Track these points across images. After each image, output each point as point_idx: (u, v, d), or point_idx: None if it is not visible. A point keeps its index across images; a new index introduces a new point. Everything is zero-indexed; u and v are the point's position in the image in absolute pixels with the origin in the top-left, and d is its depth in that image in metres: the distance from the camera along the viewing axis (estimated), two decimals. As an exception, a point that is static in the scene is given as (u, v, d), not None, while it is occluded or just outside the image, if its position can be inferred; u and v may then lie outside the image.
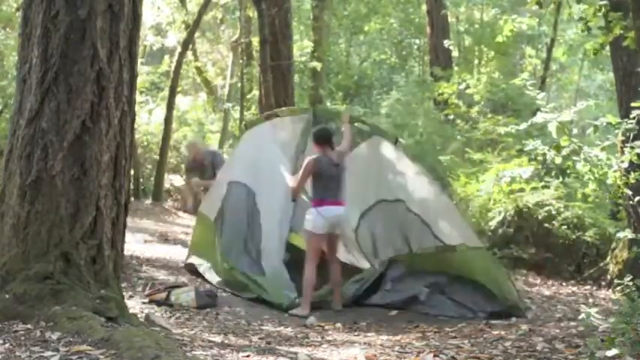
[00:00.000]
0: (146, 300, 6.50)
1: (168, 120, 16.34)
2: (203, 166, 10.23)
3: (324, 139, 6.68)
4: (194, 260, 8.08)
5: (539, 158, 4.95)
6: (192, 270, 7.99)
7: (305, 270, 6.49)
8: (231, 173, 7.87)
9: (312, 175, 6.60)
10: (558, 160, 4.85)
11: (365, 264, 7.29)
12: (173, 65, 17.02)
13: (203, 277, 7.66)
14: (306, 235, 6.63)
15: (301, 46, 19.86)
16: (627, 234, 5.27)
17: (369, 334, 5.49)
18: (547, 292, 8.38)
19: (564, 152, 4.84)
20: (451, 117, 14.94)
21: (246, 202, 7.37)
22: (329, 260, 6.72)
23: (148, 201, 15.99)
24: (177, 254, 9.08)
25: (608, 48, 7.64)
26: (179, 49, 17.28)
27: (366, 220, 7.28)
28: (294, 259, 6.92)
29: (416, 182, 7.15)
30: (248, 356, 4.12)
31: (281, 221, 6.94)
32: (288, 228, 6.95)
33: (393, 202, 7.14)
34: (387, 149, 7.33)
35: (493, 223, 9.88)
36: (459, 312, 6.50)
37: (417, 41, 23.41)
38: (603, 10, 5.99)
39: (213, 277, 7.54)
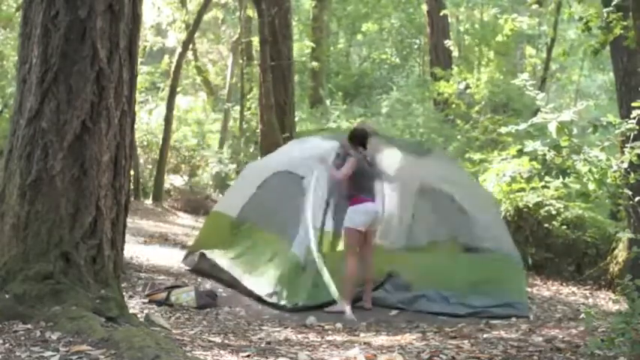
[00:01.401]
0: (146, 300, 6.50)
1: (168, 120, 16.37)
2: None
3: (361, 138, 6.84)
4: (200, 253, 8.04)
5: (540, 158, 4.95)
6: (194, 269, 7.98)
7: (347, 266, 6.57)
8: (272, 167, 7.84)
9: (354, 173, 6.69)
10: (559, 160, 4.85)
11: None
12: (173, 65, 17.05)
13: (203, 277, 7.66)
14: (347, 231, 6.68)
15: (301, 46, 19.87)
16: (627, 234, 5.27)
17: (369, 335, 5.49)
18: (547, 293, 8.39)
19: (564, 152, 4.83)
20: (451, 117, 14.95)
21: (290, 187, 7.31)
22: (363, 257, 6.73)
23: (148, 201, 16.00)
24: (178, 255, 9.08)
25: (608, 48, 7.64)
26: (179, 49, 17.30)
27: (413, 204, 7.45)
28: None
29: (463, 181, 7.50)
30: (248, 356, 4.12)
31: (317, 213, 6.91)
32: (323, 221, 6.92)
33: (441, 192, 7.35)
34: (443, 162, 7.72)
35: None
36: (459, 309, 6.50)
37: (417, 41, 23.43)
38: (605, 13, 5.99)
39: (224, 262, 7.52)
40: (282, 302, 6.51)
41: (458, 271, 6.92)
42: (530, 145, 4.92)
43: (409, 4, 21.72)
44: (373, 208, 6.71)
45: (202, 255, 7.95)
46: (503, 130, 5.95)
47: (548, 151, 4.84)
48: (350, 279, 6.56)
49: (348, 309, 6.40)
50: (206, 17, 19.18)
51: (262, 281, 6.83)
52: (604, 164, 4.80)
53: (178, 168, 18.49)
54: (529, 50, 19.65)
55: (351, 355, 4.31)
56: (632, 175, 4.81)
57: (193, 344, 4.37)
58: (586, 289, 8.87)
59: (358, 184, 6.69)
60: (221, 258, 7.62)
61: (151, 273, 7.82)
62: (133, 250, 8.94)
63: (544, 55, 18.55)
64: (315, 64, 18.34)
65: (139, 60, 7.52)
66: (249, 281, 6.99)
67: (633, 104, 4.94)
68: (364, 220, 6.62)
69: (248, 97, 18.32)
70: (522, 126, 5.20)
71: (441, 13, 16.20)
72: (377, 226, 6.86)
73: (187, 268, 8.19)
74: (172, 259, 8.88)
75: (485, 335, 5.17)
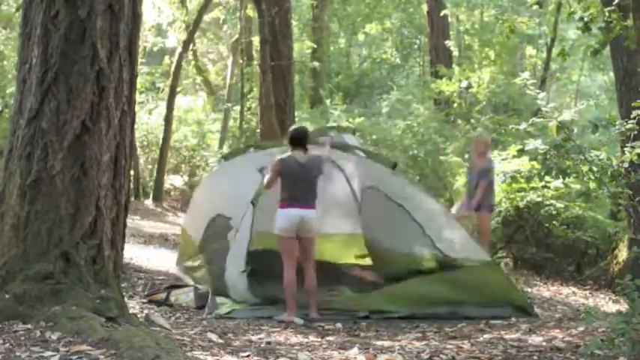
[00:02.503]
0: (146, 300, 6.50)
1: (168, 120, 16.38)
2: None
3: (295, 139, 6.34)
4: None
5: (540, 158, 4.94)
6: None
7: (284, 275, 6.19)
8: (214, 205, 7.59)
9: (279, 175, 6.28)
10: (559, 160, 4.84)
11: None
12: (173, 65, 17.06)
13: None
14: (277, 238, 6.29)
15: (301, 46, 19.87)
16: (627, 234, 5.27)
17: (369, 335, 5.49)
18: (547, 293, 8.39)
19: (564, 152, 4.83)
20: (452, 117, 14.96)
21: (224, 228, 7.05)
22: (303, 265, 6.32)
23: (148, 201, 16.01)
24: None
25: (608, 48, 7.64)
26: (179, 49, 17.31)
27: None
28: (265, 263, 6.73)
29: (417, 197, 7.10)
30: (248, 356, 4.12)
31: (243, 233, 6.63)
32: (248, 237, 6.59)
33: (394, 202, 7.05)
34: (384, 171, 7.18)
35: (493, 223, 9.87)
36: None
37: (417, 41, 23.44)
38: (608, 13, 5.98)
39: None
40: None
41: (445, 295, 6.54)
42: (531, 144, 4.92)
43: (409, 4, 21.72)
44: (296, 213, 6.18)
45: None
46: (503, 129, 5.95)
47: (549, 150, 4.83)
48: (287, 289, 6.16)
49: (294, 318, 6.03)
50: (206, 17, 19.18)
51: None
52: (604, 163, 4.79)
53: (178, 168, 18.49)
54: (529, 50, 19.65)
55: (351, 355, 4.31)
56: (633, 174, 4.80)
57: (193, 344, 4.38)
58: (586, 289, 8.87)
59: (284, 188, 6.25)
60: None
61: (150, 273, 7.82)
62: (133, 250, 8.94)
63: (544, 55, 18.55)
64: (315, 64, 18.33)
65: (139, 60, 7.51)
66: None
67: (633, 104, 4.94)
68: (283, 226, 6.16)
69: (248, 97, 18.33)
70: (523, 126, 5.19)
71: (441, 14, 16.21)
72: (310, 234, 6.30)
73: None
74: (172, 259, 8.87)
75: (485, 335, 5.16)
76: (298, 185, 6.25)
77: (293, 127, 6.80)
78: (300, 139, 6.35)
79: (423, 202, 7.12)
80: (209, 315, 6.07)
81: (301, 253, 6.29)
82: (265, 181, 6.41)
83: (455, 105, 15.16)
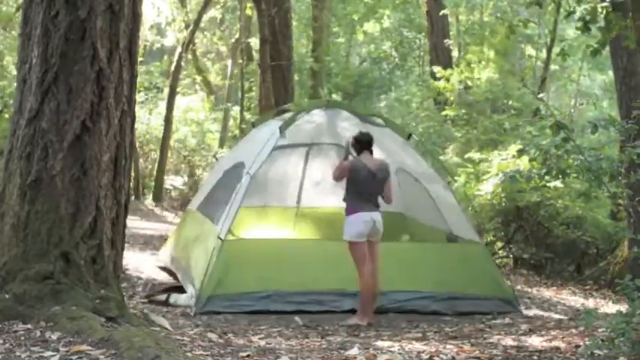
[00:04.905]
0: (146, 300, 6.50)
1: (168, 120, 16.39)
2: None
3: (364, 143, 6.30)
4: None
5: (540, 158, 4.95)
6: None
7: (359, 279, 6.10)
8: (234, 159, 7.79)
9: (347, 179, 6.24)
10: (558, 159, 4.84)
11: None
12: (173, 65, 17.07)
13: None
14: (349, 245, 6.18)
15: (301, 46, 19.85)
16: (627, 234, 5.27)
17: (369, 335, 5.49)
18: (547, 293, 8.38)
19: (564, 152, 4.83)
20: (451, 117, 14.94)
21: (235, 175, 7.15)
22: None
23: (149, 201, 16.01)
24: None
25: (608, 48, 7.63)
26: (179, 49, 17.32)
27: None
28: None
29: (428, 174, 7.51)
30: (248, 356, 4.12)
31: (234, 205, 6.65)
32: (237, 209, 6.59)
33: (414, 178, 7.56)
34: (399, 141, 7.58)
35: (493, 223, 9.88)
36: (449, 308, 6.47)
37: (417, 41, 23.42)
38: (605, 11, 5.96)
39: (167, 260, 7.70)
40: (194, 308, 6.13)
41: (434, 266, 6.70)
42: (531, 144, 4.92)
43: (409, 4, 21.70)
44: (367, 218, 6.14)
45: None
46: (503, 129, 5.95)
47: (549, 150, 4.83)
48: (364, 292, 6.09)
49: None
50: (206, 17, 19.18)
51: (189, 276, 6.64)
52: (604, 163, 4.79)
53: (178, 168, 18.49)
54: (529, 50, 19.61)
55: (351, 355, 4.31)
56: (633, 174, 4.80)
57: (193, 344, 4.38)
58: (586, 289, 8.87)
59: (352, 192, 6.20)
60: (168, 254, 7.81)
61: (149, 273, 7.82)
62: (133, 251, 8.94)
63: (544, 55, 18.53)
64: (314, 64, 18.32)
65: (139, 60, 7.50)
66: (181, 275, 6.98)
67: (633, 104, 4.94)
68: (358, 231, 6.12)
69: (248, 97, 18.32)
70: (522, 126, 5.19)
71: (441, 13, 16.19)
72: (376, 237, 6.25)
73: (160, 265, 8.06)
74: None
75: (485, 335, 5.17)
76: (368, 190, 6.21)
77: (362, 131, 6.62)
78: (371, 144, 6.33)
79: (434, 179, 7.51)
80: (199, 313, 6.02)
81: (369, 257, 6.22)
82: (333, 175, 6.42)
83: (453, 105, 15.13)
